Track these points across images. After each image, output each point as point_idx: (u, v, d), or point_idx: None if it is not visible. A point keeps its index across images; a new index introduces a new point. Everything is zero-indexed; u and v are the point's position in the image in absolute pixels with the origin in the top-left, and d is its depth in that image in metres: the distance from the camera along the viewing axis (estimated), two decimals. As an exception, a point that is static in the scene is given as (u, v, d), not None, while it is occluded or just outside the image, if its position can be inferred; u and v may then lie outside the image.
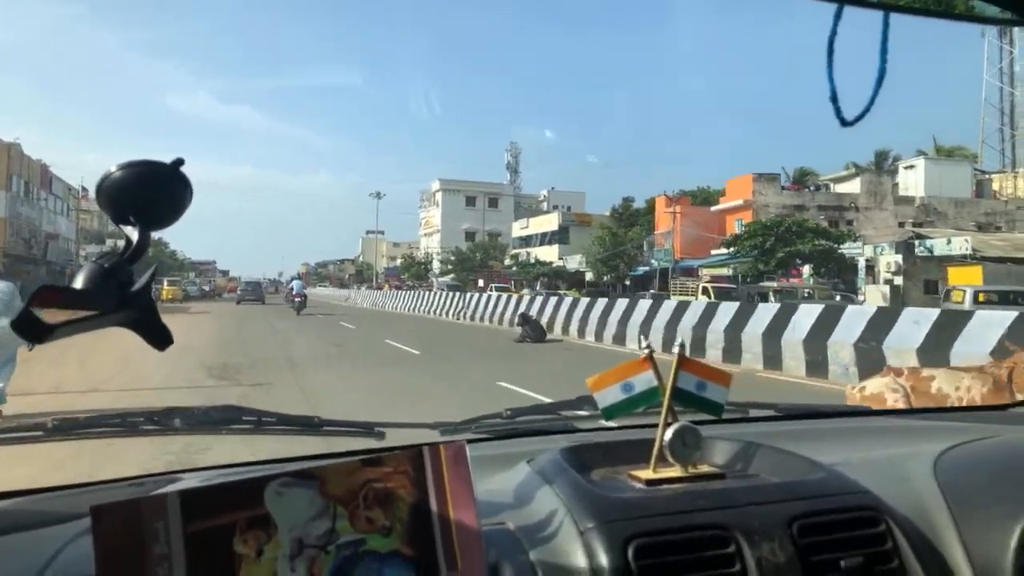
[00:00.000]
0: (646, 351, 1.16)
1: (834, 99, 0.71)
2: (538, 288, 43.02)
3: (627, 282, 41.77)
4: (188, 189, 0.84)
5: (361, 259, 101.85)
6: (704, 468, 1.13)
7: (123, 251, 0.83)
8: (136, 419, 1.38)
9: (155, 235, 0.87)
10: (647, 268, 41.29)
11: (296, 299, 28.50)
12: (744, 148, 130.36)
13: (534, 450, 1.22)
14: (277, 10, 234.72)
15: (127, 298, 0.81)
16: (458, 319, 26.36)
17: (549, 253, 54.65)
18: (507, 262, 57.87)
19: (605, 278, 41.66)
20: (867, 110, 0.70)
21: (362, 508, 0.80)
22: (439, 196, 79.39)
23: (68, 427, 1.33)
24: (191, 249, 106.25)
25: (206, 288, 58.01)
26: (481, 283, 46.53)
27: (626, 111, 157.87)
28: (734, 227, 41.37)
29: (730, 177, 41.94)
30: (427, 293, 35.76)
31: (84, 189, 58.73)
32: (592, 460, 1.19)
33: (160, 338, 0.85)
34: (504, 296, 25.57)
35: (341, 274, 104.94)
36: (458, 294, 29.99)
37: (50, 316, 0.75)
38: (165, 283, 43.04)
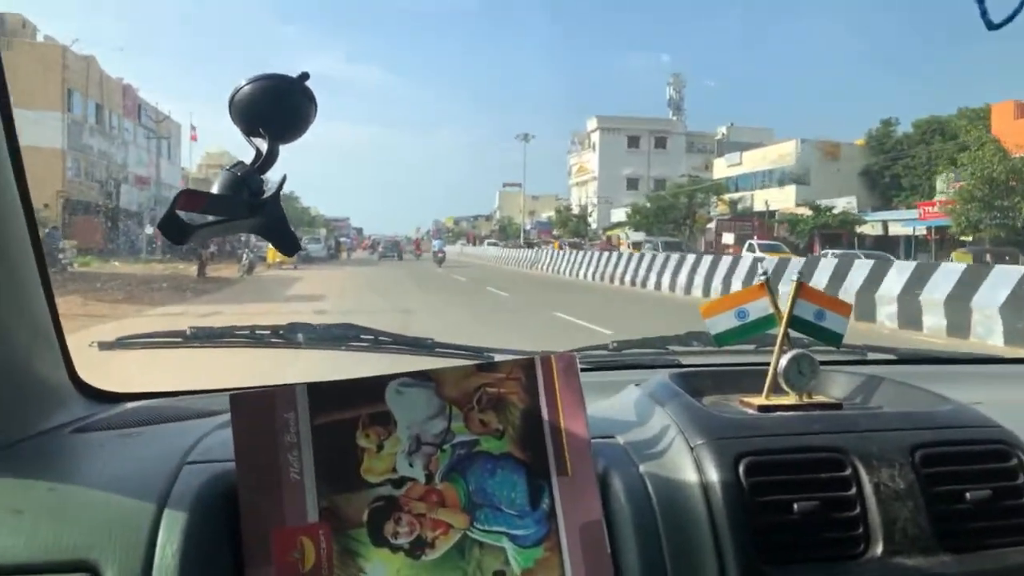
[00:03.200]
0: (762, 278, 1.10)
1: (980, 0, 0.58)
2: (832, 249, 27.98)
3: (969, 238, 25.70)
4: (313, 103, 0.86)
5: (498, 214, 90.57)
6: (820, 398, 1.10)
7: (253, 162, 0.86)
8: (263, 332, 1.50)
9: (286, 190, 0.91)
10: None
11: (438, 255, 32.44)
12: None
13: (641, 379, 1.19)
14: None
15: (258, 206, 0.85)
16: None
17: (780, 197, 39.51)
18: (717, 209, 43.01)
19: (980, 232, 25.13)
20: (1017, 12, 0.64)
21: (476, 411, 0.84)
22: (596, 137, 66.05)
23: (203, 335, 1.47)
24: (325, 207, 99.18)
25: (334, 245, 39.72)
26: (729, 240, 31.77)
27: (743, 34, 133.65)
28: None
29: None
30: (652, 257, 22.07)
31: (193, 128, 49.03)
32: (703, 386, 1.17)
33: (288, 245, 0.89)
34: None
35: (475, 231, 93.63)
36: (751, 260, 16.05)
37: (190, 219, 0.80)
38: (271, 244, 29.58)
